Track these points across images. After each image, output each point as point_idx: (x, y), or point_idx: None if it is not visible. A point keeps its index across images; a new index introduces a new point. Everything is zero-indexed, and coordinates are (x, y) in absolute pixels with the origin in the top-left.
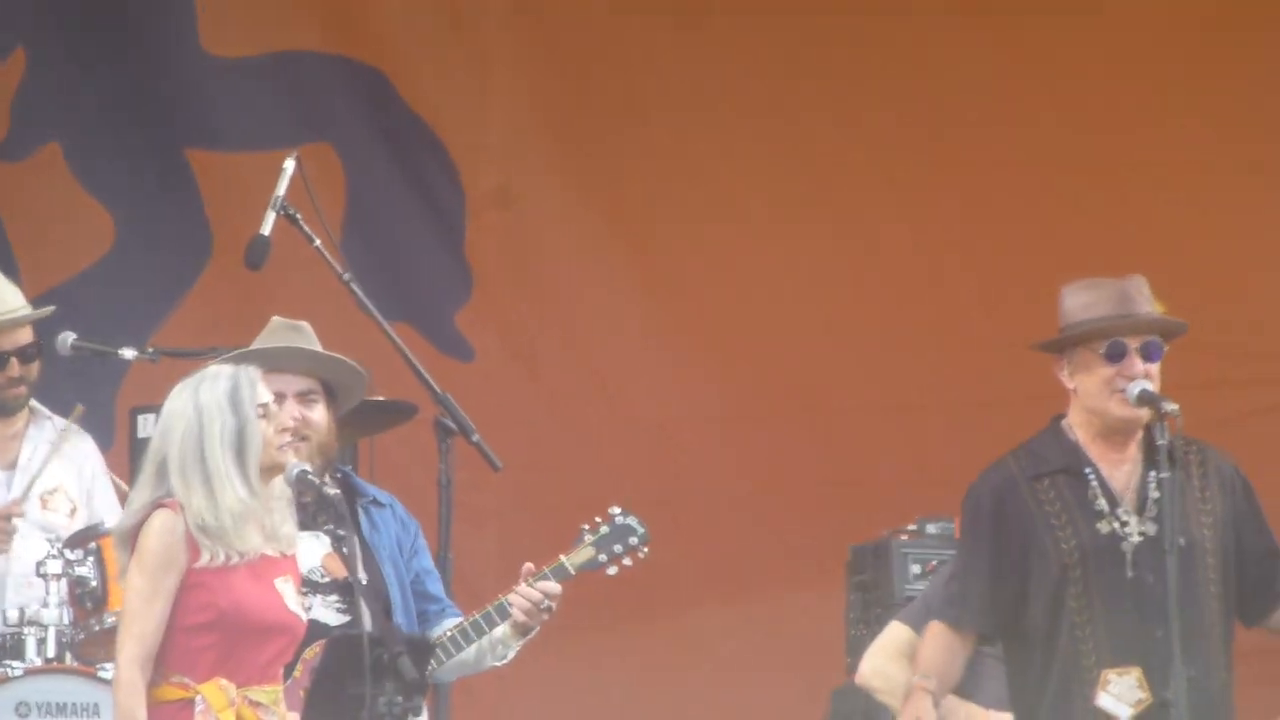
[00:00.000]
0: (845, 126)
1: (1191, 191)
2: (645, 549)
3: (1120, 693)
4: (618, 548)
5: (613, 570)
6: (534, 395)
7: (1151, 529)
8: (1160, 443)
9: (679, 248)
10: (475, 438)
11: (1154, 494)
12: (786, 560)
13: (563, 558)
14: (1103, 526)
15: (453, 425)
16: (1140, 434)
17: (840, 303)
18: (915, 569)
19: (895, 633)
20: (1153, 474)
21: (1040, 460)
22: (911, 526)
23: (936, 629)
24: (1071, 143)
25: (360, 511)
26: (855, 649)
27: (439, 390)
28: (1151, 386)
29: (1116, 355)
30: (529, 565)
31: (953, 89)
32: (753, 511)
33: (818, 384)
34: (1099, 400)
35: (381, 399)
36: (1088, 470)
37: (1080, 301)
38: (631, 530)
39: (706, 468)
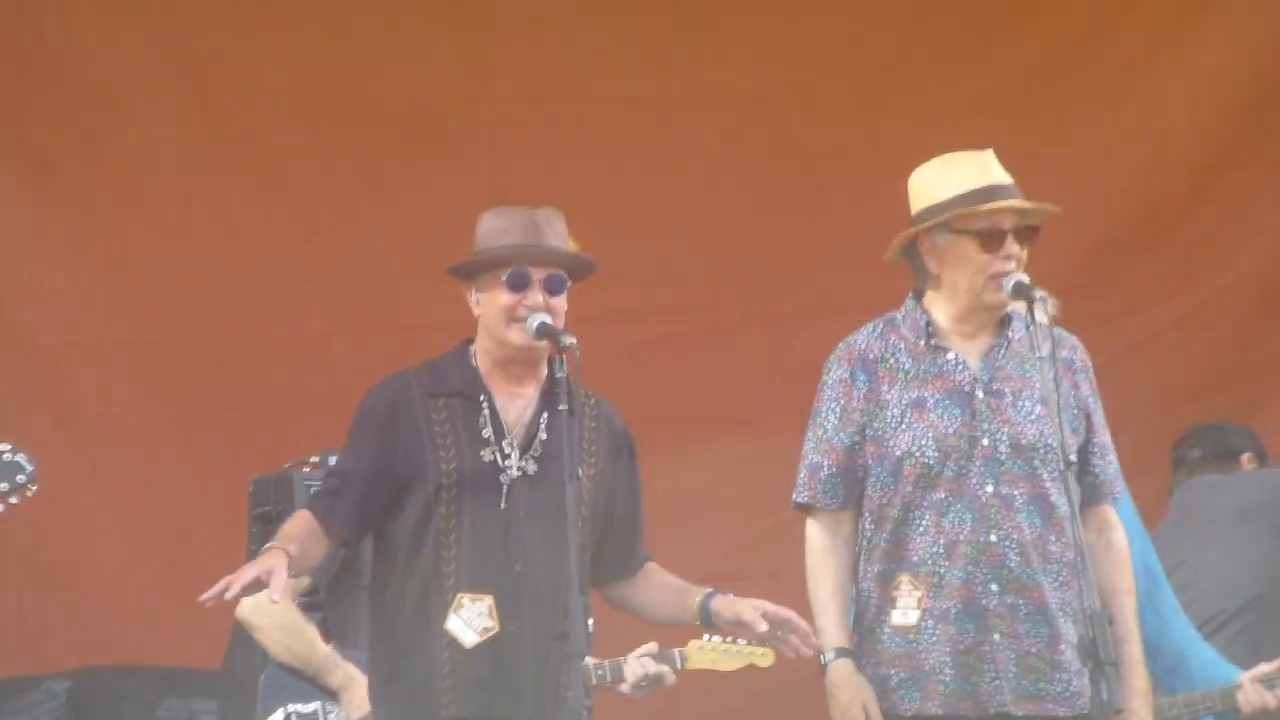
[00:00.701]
0: (250, 50)
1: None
2: (34, 486)
3: (470, 618)
4: (3, 485)
5: None
6: None
7: (532, 467)
8: (559, 375)
9: (80, 165)
10: None
11: (543, 435)
12: (194, 489)
13: None
14: (485, 455)
15: None
16: (543, 373)
17: (246, 229)
18: None
19: None
20: (545, 415)
21: (440, 379)
22: (314, 458)
23: (303, 515)
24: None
25: None
26: None
27: None
28: (551, 320)
29: (518, 284)
30: None
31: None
32: (158, 439)
33: (224, 310)
34: (499, 328)
35: None
36: (482, 398)
37: (491, 227)
38: (19, 468)
39: (110, 393)
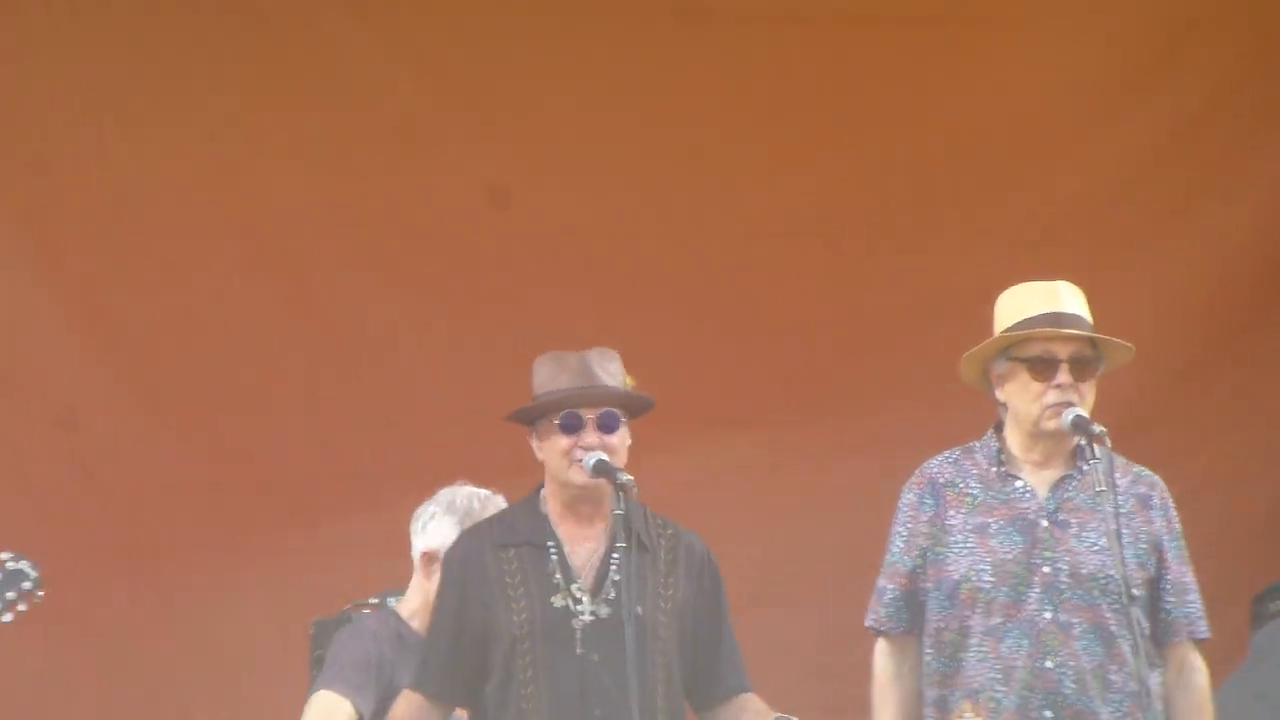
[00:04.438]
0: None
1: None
2: (40, 593)
3: None
4: (10, 594)
5: (8, 618)
6: None
7: (605, 611)
8: (616, 512)
9: (127, 311)
10: None
11: (614, 576)
12: (258, 630)
13: None
14: (556, 601)
15: None
16: (611, 512)
17: (294, 370)
18: None
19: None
20: (616, 555)
21: (510, 530)
22: (374, 599)
23: (407, 693)
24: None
25: None
26: None
27: None
28: (607, 457)
29: (572, 427)
30: None
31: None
32: (224, 580)
33: (272, 454)
34: (560, 471)
35: None
36: (549, 544)
37: (544, 375)
38: (23, 575)
39: (176, 536)
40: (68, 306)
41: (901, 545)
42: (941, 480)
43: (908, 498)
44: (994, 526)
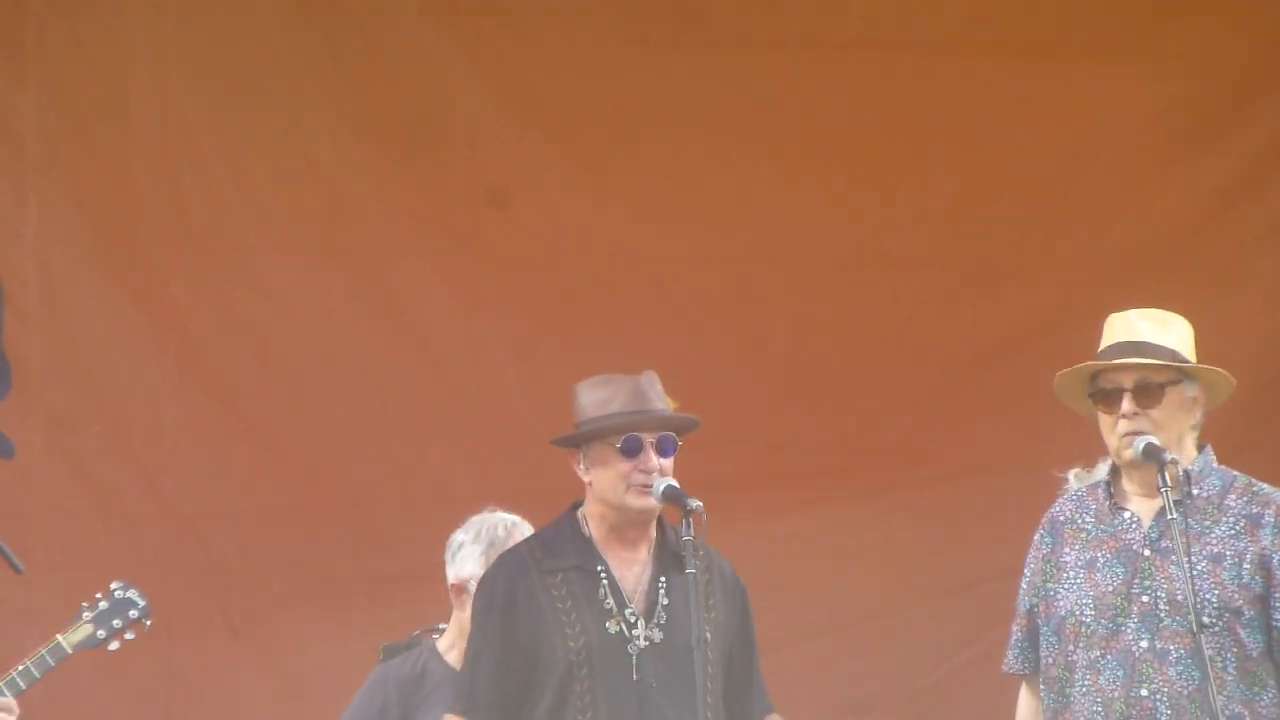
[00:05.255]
0: (387, 208)
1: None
2: (149, 621)
3: None
4: (117, 622)
5: (114, 645)
6: (78, 491)
7: (658, 635)
8: (686, 538)
9: (218, 331)
10: None
11: (664, 599)
12: (336, 655)
13: (59, 637)
14: (611, 626)
15: None
16: (653, 533)
17: (389, 392)
18: None
19: None
20: (663, 578)
21: (555, 554)
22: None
23: (449, 719)
24: None
25: None
26: None
27: None
28: (676, 483)
29: (633, 450)
30: None
31: None
32: (300, 609)
33: (361, 478)
34: (616, 495)
35: None
36: (599, 568)
37: (595, 398)
38: (132, 604)
39: (251, 560)
40: (159, 335)
41: (1025, 586)
42: (1061, 518)
43: (1034, 539)
44: (1100, 560)
